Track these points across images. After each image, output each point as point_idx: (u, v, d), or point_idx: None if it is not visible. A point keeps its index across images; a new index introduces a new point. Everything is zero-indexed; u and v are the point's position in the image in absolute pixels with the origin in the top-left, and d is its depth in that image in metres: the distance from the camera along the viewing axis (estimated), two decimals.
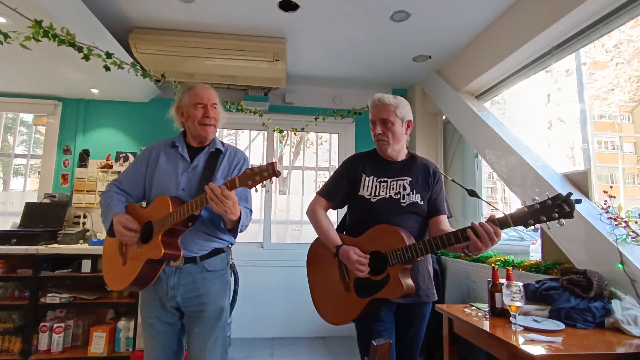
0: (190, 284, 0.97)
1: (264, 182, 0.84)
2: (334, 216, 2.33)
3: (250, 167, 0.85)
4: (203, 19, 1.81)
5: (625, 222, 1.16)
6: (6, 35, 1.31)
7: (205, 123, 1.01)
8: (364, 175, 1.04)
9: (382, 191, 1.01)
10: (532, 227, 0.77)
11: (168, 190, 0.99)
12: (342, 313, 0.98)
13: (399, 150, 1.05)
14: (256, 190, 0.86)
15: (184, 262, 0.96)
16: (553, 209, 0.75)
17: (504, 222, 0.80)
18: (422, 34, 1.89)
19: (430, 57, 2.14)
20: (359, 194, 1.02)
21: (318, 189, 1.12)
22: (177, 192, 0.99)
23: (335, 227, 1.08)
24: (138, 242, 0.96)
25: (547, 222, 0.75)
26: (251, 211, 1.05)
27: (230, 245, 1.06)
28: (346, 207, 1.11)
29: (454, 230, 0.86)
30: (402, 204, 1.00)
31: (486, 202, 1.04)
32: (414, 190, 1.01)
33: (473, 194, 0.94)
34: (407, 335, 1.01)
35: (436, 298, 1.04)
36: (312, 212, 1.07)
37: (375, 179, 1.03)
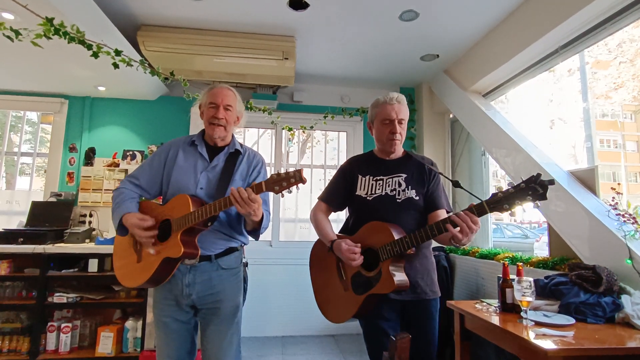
0: (206, 281, 0.97)
1: (290, 188, 0.85)
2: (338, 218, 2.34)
3: (277, 172, 0.87)
4: (212, 16, 1.80)
5: (634, 218, 1.18)
6: (17, 33, 1.30)
7: (212, 123, 1.02)
8: (359, 176, 1.07)
9: (378, 189, 1.04)
10: (509, 212, 0.80)
11: (186, 188, 0.99)
12: (342, 311, 1.01)
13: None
14: (282, 196, 0.88)
15: (199, 260, 0.97)
16: (527, 191, 0.77)
17: (481, 209, 0.82)
18: (430, 33, 1.90)
19: (438, 56, 2.16)
20: (356, 193, 1.06)
21: (319, 194, 1.17)
22: (195, 190, 0.99)
23: (338, 230, 1.12)
24: (155, 240, 0.95)
25: (522, 205, 0.78)
26: (270, 213, 1.06)
27: (243, 245, 1.07)
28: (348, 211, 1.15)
29: (437, 222, 0.89)
30: (398, 200, 1.02)
31: (469, 192, 1.06)
32: (409, 186, 1.03)
33: (456, 184, 0.98)
34: (418, 335, 1.01)
35: (439, 295, 1.05)
36: (313, 216, 1.13)
37: (371, 178, 1.06)
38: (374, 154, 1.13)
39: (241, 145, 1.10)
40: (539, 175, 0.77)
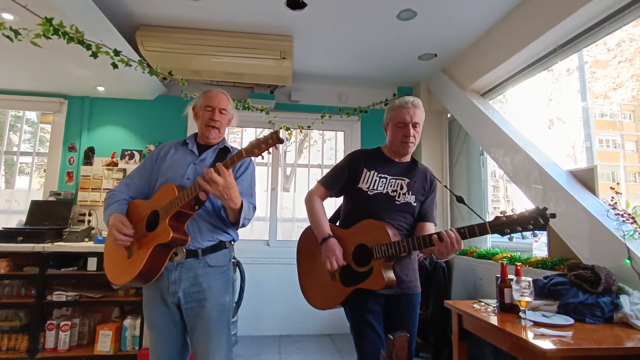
0: (192, 278, 0.97)
1: (270, 149, 0.87)
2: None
3: (255, 137, 0.89)
4: (210, 16, 1.81)
5: (633, 218, 1.17)
6: (17, 32, 1.31)
7: (209, 125, 1.06)
8: (365, 170, 1.08)
9: (380, 186, 1.06)
10: (508, 237, 0.84)
11: (173, 179, 1.00)
12: (327, 299, 1.05)
13: None
14: (262, 158, 0.90)
15: (186, 257, 0.96)
16: (529, 220, 0.81)
17: (482, 229, 0.87)
18: (428, 32, 1.90)
19: (436, 55, 2.15)
20: (358, 186, 1.07)
21: (320, 178, 1.17)
22: (182, 181, 1.00)
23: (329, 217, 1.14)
24: (143, 231, 0.95)
25: (522, 232, 0.83)
26: (255, 207, 1.06)
27: (233, 242, 1.06)
28: (342, 200, 1.17)
29: (432, 233, 0.94)
30: (397, 202, 1.05)
31: (472, 210, 1.11)
32: (410, 192, 1.07)
33: (460, 200, 1.03)
34: (400, 326, 1.05)
35: (420, 290, 1.10)
36: (309, 199, 1.12)
37: (376, 174, 1.07)
38: (382, 151, 1.13)
39: (231, 147, 1.12)
40: (545, 208, 0.81)
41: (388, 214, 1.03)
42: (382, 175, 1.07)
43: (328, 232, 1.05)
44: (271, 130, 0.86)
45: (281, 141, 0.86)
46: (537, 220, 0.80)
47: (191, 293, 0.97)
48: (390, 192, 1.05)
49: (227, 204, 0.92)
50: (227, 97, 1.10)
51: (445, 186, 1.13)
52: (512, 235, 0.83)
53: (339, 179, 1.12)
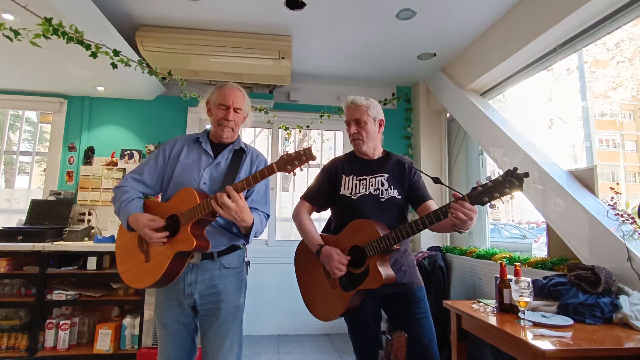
0: (207, 280, 0.96)
1: (302, 166, 0.84)
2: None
3: (286, 152, 0.86)
4: (209, 16, 1.81)
5: (633, 218, 1.17)
6: (17, 33, 1.31)
7: (222, 124, 1.01)
8: (343, 176, 1.09)
9: (362, 188, 1.06)
10: (489, 205, 0.83)
11: (189, 183, 0.97)
12: (332, 308, 1.02)
13: (374, 148, 1.11)
14: (294, 174, 0.88)
15: (201, 259, 0.96)
16: (504, 184, 0.80)
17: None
18: (427, 32, 1.90)
19: (435, 54, 2.15)
20: (341, 193, 1.08)
21: (302, 194, 1.16)
22: (198, 186, 0.97)
23: (321, 230, 1.13)
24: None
25: (501, 198, 0.81)
26: (268, 215, 1.05)
27: (245, 243, 1.05)
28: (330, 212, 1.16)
29: (423, 215, 0.91)
30: (382, 199, 1.05)
31: (450, 188, 1.12)
32: (392, 186, 1.07)
33: (437, 181, 0.99)
34: (410, 323, 1.01)
35: (422, 284, 1.08)
36: (296, 216, 1.12)
37: (354, 177, 1.08)
38: (355, 154, 1.14)
39: (245, 144, 1.09)
40: (515, 169, 0.81)
41: (375, 213, 1.03)
42: (362, 178, 1.07)
43: (319, 241, 1.05)
44: (304, 147, 0.84)
45: (313, 158, 0.83)
46: (511, 183, 0.80)
47: (207, 295, 0.96)
48: (372, 192, 1.05)
49: (239, 224, 0.91)
50: (243, 94, 1.05)
51: (421, 171, 1.11)
52: (492, 203, 0.83)
53: (321, 191, 1.12)
